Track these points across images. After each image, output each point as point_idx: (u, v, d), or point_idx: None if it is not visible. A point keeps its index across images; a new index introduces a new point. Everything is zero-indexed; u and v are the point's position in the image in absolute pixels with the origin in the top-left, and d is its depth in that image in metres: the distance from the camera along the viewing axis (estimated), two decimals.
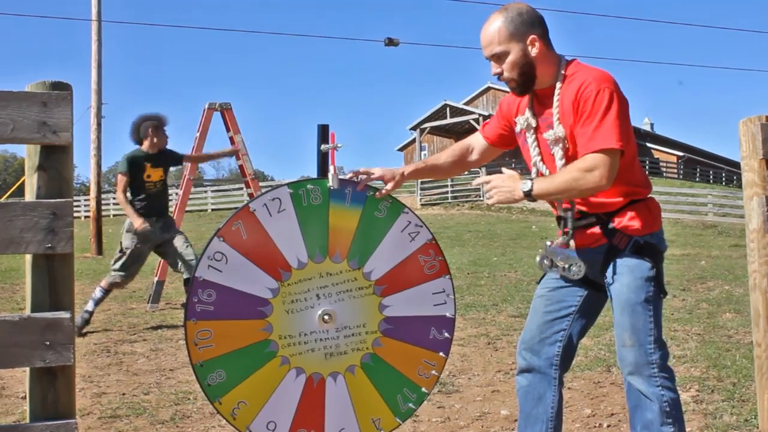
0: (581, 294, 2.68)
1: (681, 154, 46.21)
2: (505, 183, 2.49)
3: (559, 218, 2.64)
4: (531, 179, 2.48)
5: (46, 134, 1.85)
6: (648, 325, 2.48)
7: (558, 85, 2.52)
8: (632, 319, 2.48)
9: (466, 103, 43.05)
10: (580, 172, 2.38)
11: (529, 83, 2.55)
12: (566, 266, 2.54)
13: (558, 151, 2.52)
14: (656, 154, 46.68)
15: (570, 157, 2.51)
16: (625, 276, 2.50)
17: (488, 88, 44.15)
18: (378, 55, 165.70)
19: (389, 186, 2.69)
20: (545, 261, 2.59)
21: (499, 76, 2.56)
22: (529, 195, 2.44)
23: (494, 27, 2.51)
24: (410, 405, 2.72)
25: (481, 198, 31.69)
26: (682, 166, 45.79)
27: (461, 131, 40.65)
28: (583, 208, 2.58)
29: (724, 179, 47.18)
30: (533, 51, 2.50)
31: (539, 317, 2.71)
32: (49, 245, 1.84)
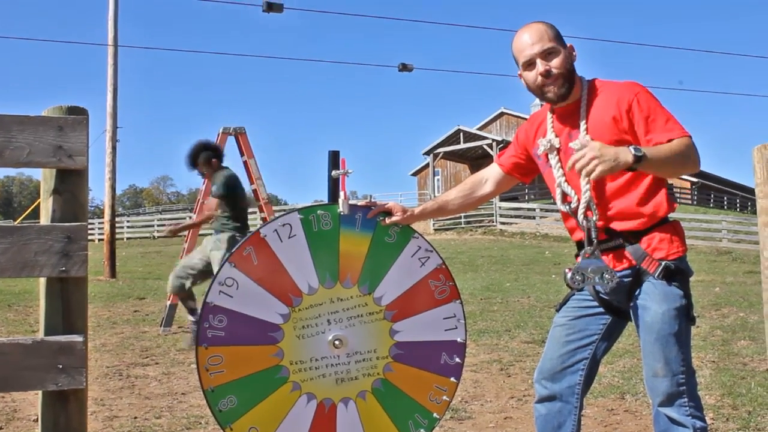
0: (604, 321, 2.62)
1: (695, 180, 45.97)
2: (606, 151, 2.26)
3: (579, 243, 2.58)
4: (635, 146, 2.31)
5: (61, 158, 1.87)
6: (680, 355, 2.43)
7: (584, 101, 2.54)
8: (666, 350, 2.43)
9: (480, 129, 43.00)
10: (683, 146, 2.35)
11: (569, 87, 2.54)
12: (599, 276, 2.45)
13: None
14: (670, 180, 46.31)
15: None
16: (658, 305, 2.44)
17: (501, 114, 44.17)
18: (392, 81, 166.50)
19: (396, 217, 2.70)
20: (577, 277, 2.48)
21: (547, 73, 2.50)
22: (641, 159, 2.25)
23: (540, 27, 2.54)
24: (422, 431, 2.70)
25: (494, 223, 31.60)
26: (696, 192, 45.57)
27: (474, 156, 40.68)
28: (609, 226, 2.52)
29: (738, 205, 46.86)
30: (573, 58, 2.55)
31: (560, 346, 2.65)
32: (63, 269, 1.85)
